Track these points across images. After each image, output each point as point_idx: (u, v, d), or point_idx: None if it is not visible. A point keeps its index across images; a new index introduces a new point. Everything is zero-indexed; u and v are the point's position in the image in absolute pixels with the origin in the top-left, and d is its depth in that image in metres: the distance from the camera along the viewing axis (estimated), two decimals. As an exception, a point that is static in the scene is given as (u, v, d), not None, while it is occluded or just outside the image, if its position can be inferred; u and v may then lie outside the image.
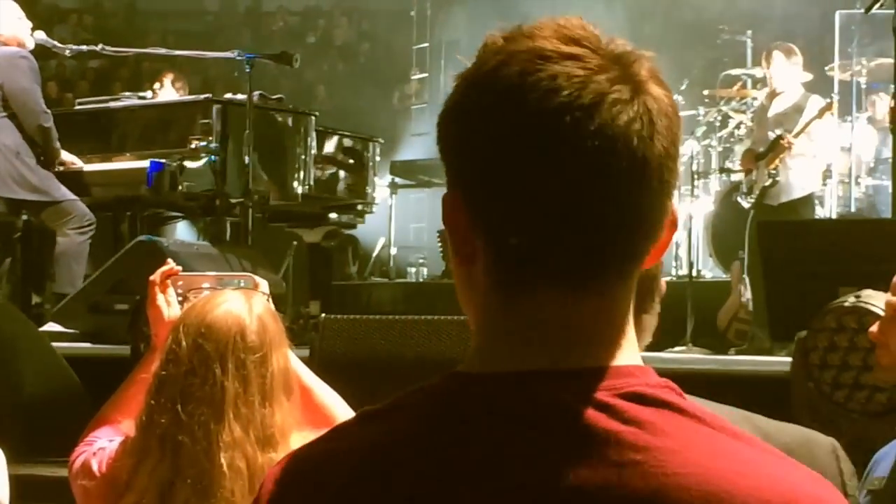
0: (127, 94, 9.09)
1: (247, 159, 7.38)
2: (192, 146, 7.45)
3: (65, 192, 7.54)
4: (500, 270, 1.19)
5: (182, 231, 9.29)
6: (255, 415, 2.77)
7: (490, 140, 1.16)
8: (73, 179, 7.73)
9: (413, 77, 16.42)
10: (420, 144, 13.71)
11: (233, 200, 7.51)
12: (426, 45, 16.15)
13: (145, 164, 7.46)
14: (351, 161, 8.65)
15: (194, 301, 2.97)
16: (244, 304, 2.87)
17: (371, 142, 8.91)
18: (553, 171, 1.13)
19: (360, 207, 8.92)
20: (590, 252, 1.16)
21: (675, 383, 1.19)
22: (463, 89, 1.20)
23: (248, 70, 7.49)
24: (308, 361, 3.39)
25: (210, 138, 7.50)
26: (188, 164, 7.47)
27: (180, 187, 7.45)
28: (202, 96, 7.93)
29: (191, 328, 2.82)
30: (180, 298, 3.11)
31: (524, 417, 1.13)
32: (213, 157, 7.41)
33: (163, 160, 7.41)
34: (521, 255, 1.17)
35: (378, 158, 9.03)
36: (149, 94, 9.13)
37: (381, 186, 11.06)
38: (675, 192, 1.24)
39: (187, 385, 2.77)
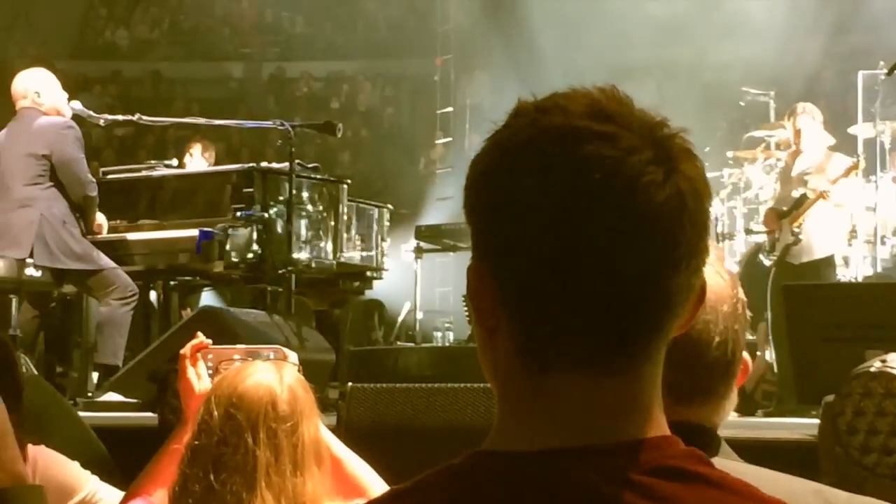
0: (153, 162, 9.10)
1: (290, 227, 7.48)
2: (238, 215, 7.53)
3: (107, 261, 7.54)
4: (525, 347, 1.17)
5: (208, 300, 9.30)
6: (286, 484, 2.78)
7: (521, 217, 1.15)
8: (114, 247, 7.77)
9: (437, 141, 16.47)
10: (445, 209, 13.67)
11: (279, 270, 7.55)
12: (450, 109, 16.20)
13: (192, 232, 7.53)
14: (361, 228, 8.67)
15: (225, 372, 3.00)
16: (275, 374, 2.89)
17: (381, 208, 8.94)
18: (585, 252, 1.13)
19: (368, 274, 8.93)
20: (619, 333, 1.15)
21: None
22: (495, 159, 1.18)
23: (290, 139, 7.65)
24: (335, 430, 3.40)
25: (255, 206, 7.58)
26: (232, 232, 7.53)
27: (227, 255, 7.52)
28: (247, 165, 8.03)
29: (222, 398, 2.84)
30: (211, 371, 3.13)
31: (550, 499, 1.12)
32: (258, 225, 7.49)
33: (211, 229, 7.48)
34: (548, 334, 1.16)
35: (388, 224, 9.04)
36: (174, 161, 9.18)
37: (406, 251, 11.09)
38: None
39: (219, 455, 2.79)
